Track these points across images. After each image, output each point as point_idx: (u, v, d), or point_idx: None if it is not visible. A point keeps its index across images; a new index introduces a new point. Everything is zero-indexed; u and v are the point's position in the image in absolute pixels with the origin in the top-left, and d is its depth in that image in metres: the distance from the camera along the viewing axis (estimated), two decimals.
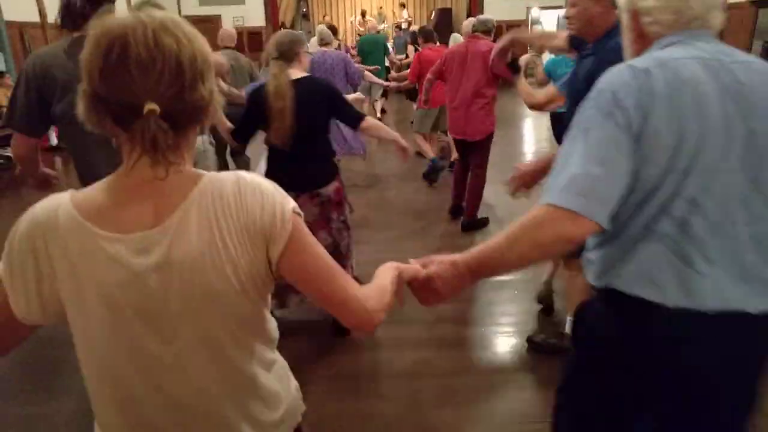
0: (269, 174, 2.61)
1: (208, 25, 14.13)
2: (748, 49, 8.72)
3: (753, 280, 1.05)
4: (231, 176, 0.88)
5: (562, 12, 5.16)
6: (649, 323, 1.09)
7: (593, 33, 1.95)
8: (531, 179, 2.06)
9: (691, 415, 1.14)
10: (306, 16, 18.92)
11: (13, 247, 0.84)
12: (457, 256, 1.17)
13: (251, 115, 2.57)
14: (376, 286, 1.04)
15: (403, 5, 17.81)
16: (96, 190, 0.86)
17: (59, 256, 0.82)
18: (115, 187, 0.85)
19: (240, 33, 12.70)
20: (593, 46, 1.96)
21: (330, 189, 2.64)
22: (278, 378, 1.01)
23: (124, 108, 0.78)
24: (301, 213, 0.94)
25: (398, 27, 14.90)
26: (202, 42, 0.85)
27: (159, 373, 0.87)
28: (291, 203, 0.91)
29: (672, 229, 1.04)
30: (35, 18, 8.45)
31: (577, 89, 1.85)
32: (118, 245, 0.82)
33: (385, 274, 1.09)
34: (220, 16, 14.86)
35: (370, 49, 8.14)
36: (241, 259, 0.85)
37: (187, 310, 0.84)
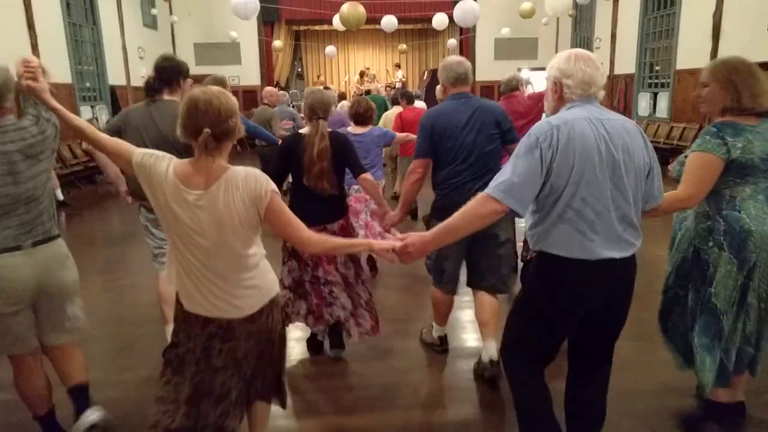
0: (292, 205, 2.80)
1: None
2: None
3: (620, 242, 1.81)
4: (242, 169, 1.72)
5: None
6: (562, 269, 1.83)
7: None
8: (396, 221, 2.97)
9: (590, 327, 1.93)
10: (300, 76, 19.23)
11: (144, 157, 1.76)
12: (424, 232, 1.93)
13: (284, 166, 2.84)
14: (326, 238, 2.06)
15: (398, 66, 18.19)
16: (183, 163, 1.71)
17: (162, 191, 1.70)
18: (190, 165, 1.71)
19: (235, 91, 12.83)
20: None
21: (335, 226, 2.87)
22: (259, 268, 1.82)
23: (195, 131, 1.65)
24: (278, 191, 1.72)
25: (391, 87, 15.12)
26: (232, 101, 1.71)
27: (201, 255, 1.73)
28: (272, 186, 1.72)
29: (573, 216, 1.77)
30: (123, 82, 11.98)
31: None
32: (186, 194, 1.68)
33: (351, 239, 2.05)
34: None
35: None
36: (242, 212, 1.69)
37: (213, 229, 1.69)
